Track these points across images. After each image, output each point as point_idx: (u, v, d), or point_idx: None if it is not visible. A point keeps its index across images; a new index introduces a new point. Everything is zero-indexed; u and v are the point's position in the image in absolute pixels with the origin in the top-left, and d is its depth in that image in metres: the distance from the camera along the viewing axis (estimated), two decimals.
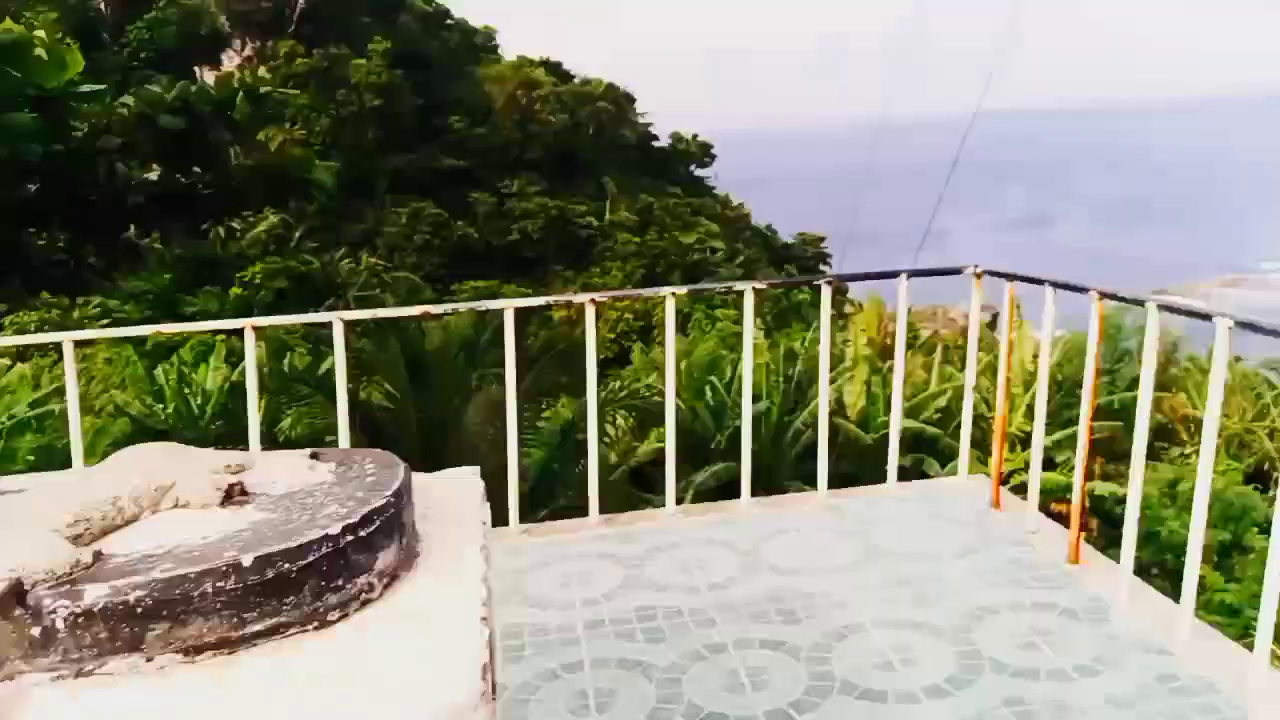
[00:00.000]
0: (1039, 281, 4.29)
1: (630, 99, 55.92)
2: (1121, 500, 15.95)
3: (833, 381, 17.83)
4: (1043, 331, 4.49)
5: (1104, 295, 3.75)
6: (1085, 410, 3.86)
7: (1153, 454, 16.14)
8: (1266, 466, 14.66)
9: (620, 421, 15.76)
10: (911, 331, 36.09)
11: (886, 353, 26.73)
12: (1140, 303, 3.56)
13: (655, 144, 57.26)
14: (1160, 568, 12.68)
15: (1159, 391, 16.63)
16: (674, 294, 4.59)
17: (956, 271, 4.99)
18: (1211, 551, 12.57)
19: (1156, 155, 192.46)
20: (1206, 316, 3.36)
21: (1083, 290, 3.93)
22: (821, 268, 50.90)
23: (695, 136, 58.84)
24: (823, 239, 54.53)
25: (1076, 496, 4.01)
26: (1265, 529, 12.56)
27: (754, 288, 4.81)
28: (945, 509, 4.75)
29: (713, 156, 59.11)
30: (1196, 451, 16.26)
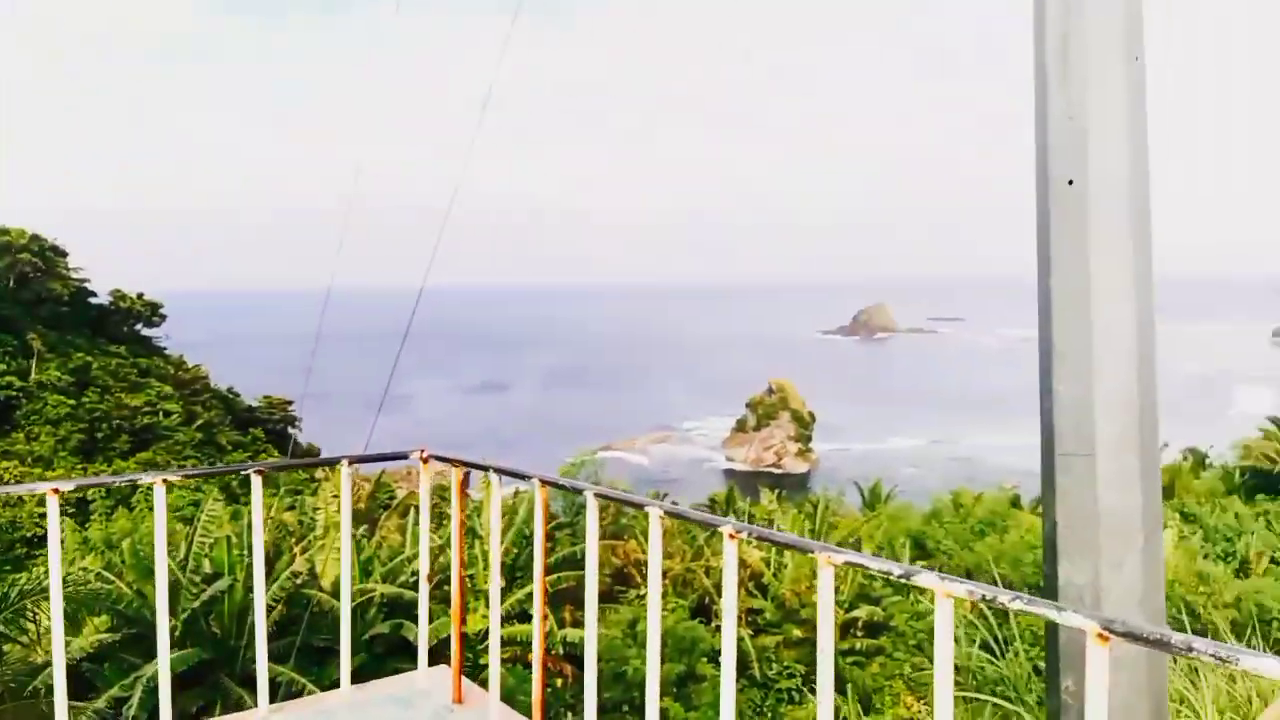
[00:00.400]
0: (484, 468, 4.25)
1: (60, 252, 50.32)
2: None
3: (304, 551, 16.72)
4: (492, 516, 4.36)
5: (545, 482, 3.84)
6: (537, 587, 3.80)
7: (614, 598, 17.44)
8: (707, 600, 16.57)
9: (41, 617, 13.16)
10: (387, 491, 35.72)
11: (360, 517, 25.99)
12: (579, 491, 3.68)
13: (93, 300, 51.79)
14: (630, 704, 13.45)
15: (613, 540, 18.11)
16: (165, 480, 3.82)
17: (403, 456, 4.82)
18: (670, 684, 13.67)
19: (593, 330, 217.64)
20: (578, 491, 3.58)
21: (526, 477, 3.97)
22: (291, 430, 49.19)
23: (141, 295, 54.42)
24: (290, 402, 52.84)
25: (536, 691, 3.87)
26: (713, 658, 13.96)
27: (257, 470, 4.21)
28: (402, 713, 4.37)
29: (162, 316, 55.00)
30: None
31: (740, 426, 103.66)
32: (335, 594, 16.63)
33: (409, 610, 15.17)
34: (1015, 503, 38.17)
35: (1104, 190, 2.66)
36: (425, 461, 4.60)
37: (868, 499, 41.99)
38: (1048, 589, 2.67)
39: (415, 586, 14.82)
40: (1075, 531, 2.61)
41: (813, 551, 2.52)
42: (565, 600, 16.23)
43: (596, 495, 3.37)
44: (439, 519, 21.31)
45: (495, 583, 4.31)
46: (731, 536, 2.66)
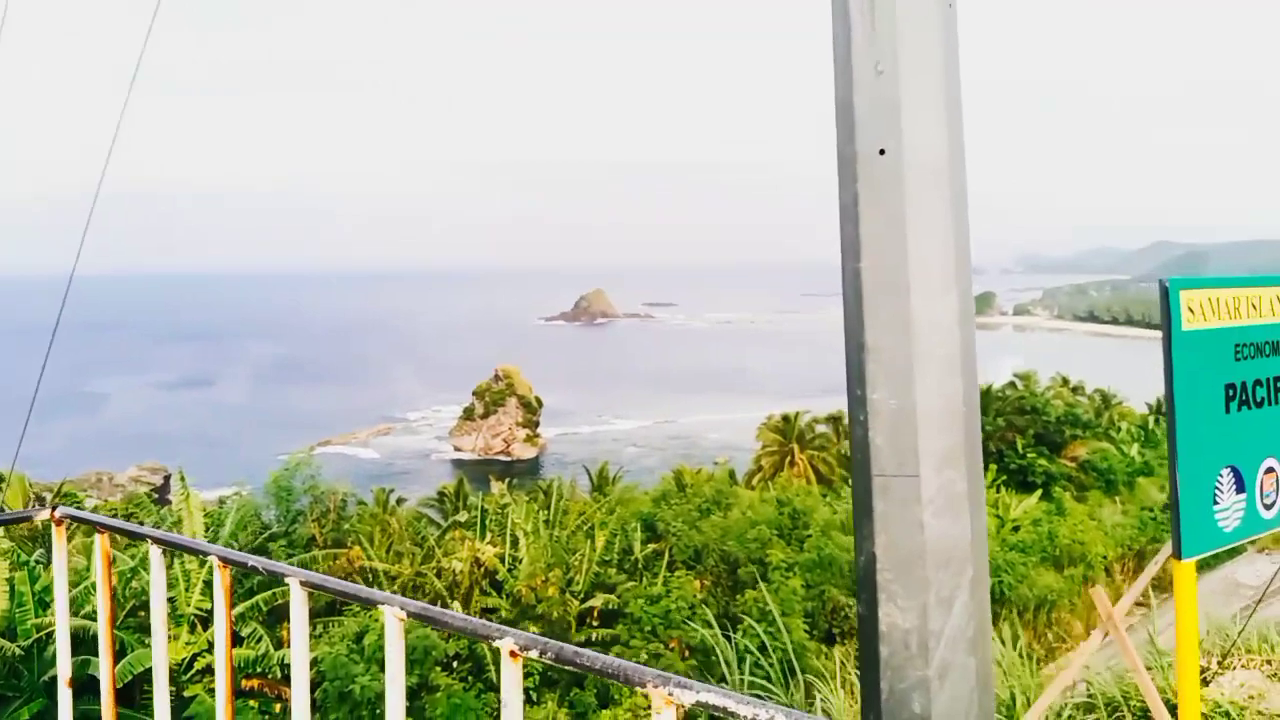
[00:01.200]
0: (138, 535, 3.26)
1: None
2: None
3: None
4: (154, 601, 3.20)
5: (227, 562, 2.94)
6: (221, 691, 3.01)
7: (338, 610, 16.21)
8: (438, 604, 15.78)
9: None
10: (73, 503, 31.81)
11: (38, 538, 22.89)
12: (203, 554, 2.90)
13: None
14: None
15: (335, 548, 16.87)
16: None
17: (25, 519, 3.81)
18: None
19: (309, 321, 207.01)
20: (281, 576, 2.90)
21: (199, 553, 3.15)
22: None
23: None
24: None
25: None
26: (447, 665, 13.27)
27: None
28: None
29: None
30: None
31: (468, 415, 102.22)
32: (8, 633, 14.38)
33: (94, 643, 13.33)
34: (732, 478, 40.02)
35: (920, 160, 2.33)
36: (59, 524, 3.35)
37: (596, 482, 42.51)
38: (865, 632, 2.28)
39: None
40: (898, 566, 2.27)
41: (643, 685, 1.75)
42: (283, 616, 14.88)
43: (303, 585, 2.54)
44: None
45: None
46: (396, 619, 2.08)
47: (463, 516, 20.49)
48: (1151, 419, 55.03)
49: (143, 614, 13.95)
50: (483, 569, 15.55)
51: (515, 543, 16.93)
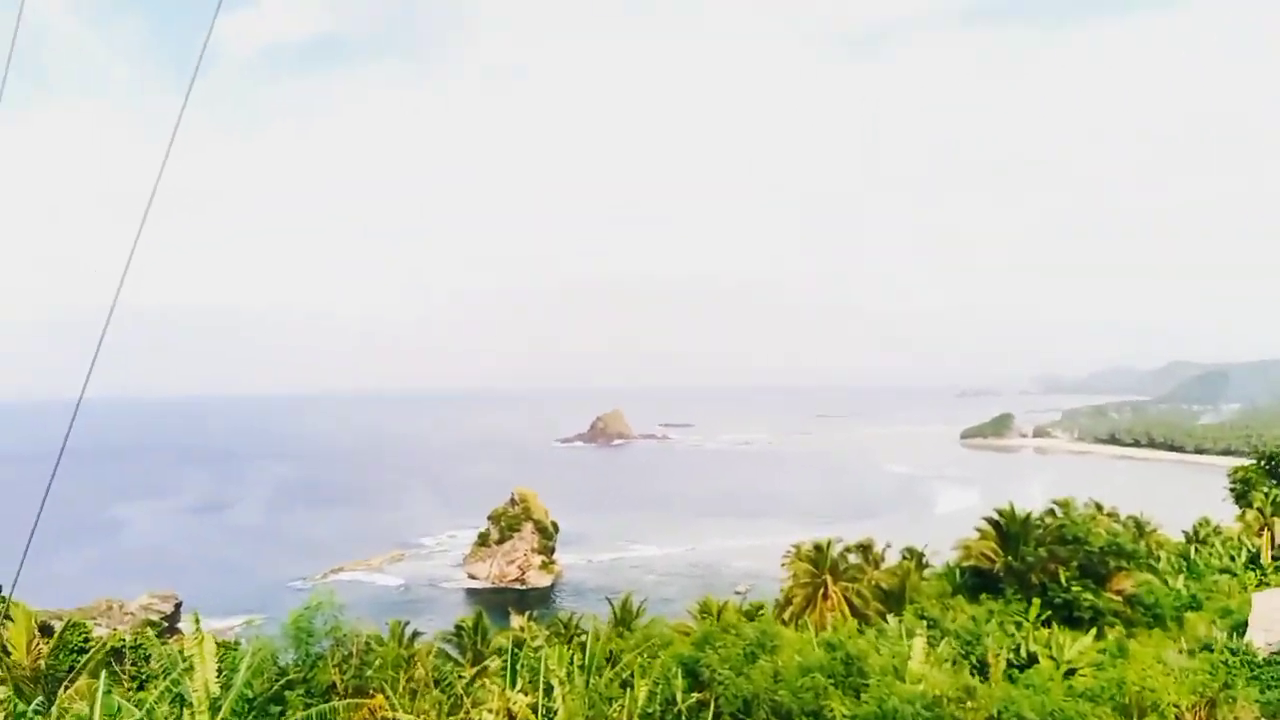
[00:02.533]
0: None
1: None
2: None
3: None
4: None
5: None
6: None
7: None
8: None
9: None
10: (81, 634, 30.64)
11: (40, 680, 21.87)
12: None
13: None
14: None
15: (357, 696, 15.73)
16: None
17: None
18: None
19: (321, 443, 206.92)
20: None
21: None
22: None
23: None
24: None
25: None
26: None
27: None
28: None
29: None
30: None
31: (482, 540, 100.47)
32: None
33: None
34: (774, 612, 38.47)
35: None
36: None
37: (619, 614, 40.95)
38: None
39: None
40: None
41: None
42: None
43: None
44: (143, 678, 17.98)
45: None
46: None
47: (492, 662, 19.29)
48: (1192, 548, 53.18)
49: None
50: None
51: (549, 690, 15.75)
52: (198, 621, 14.29)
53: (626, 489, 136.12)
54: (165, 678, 13.67)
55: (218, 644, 22.50)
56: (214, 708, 13.10)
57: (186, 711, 13.26)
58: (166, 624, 52.06)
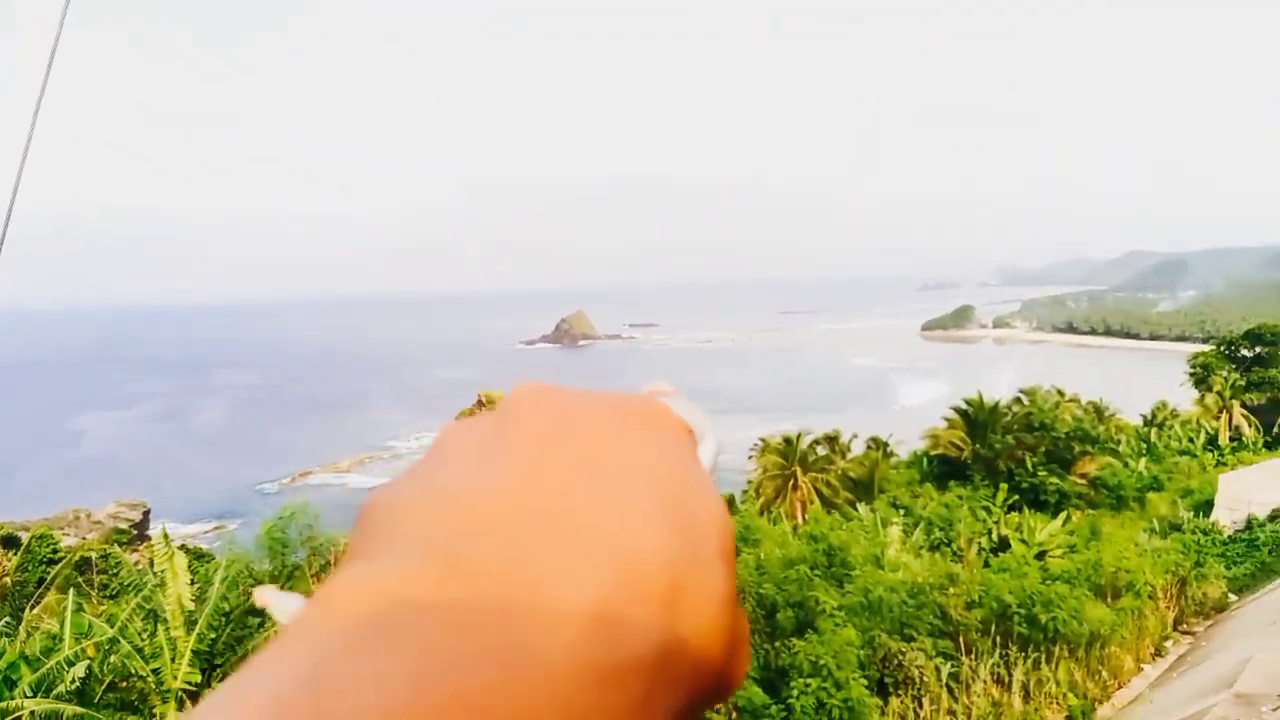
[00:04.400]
0: None
1: None
2: None
3: None
4: None
5: None
6: None
7: None
8: None
9: None
10: (49, 546, 30.25)
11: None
12: None
13: None
14: None
15: None
16: None
17: None
18: None
19: (292, 351, 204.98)
20: None
21: None
22: None
23: None
24: None
25: None
26: None
27: None
28: None
29: None
30: None
31: None
32: None
33: None
34: (732, 504, 38.78)
35: None
36: None
37: None
38: None
39: (81, 695, 11.57)
40: None
41: None
42: None
43: None
44: (113, 591, 17.61)
45: None
46: None
47: None
48: (1151, 432, 54.34)
49: (124, 686, 12.52)
50: None
51: None
52: (166, 537, 13.85)
53: (592, 388, 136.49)
54: (136, 593, 13.30)
55: (189, 552, 22.15)
56: (189, 622, 12.78)
57: (160, 627, 12.94)
58: (136, 531, 51.73)
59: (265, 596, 0.35)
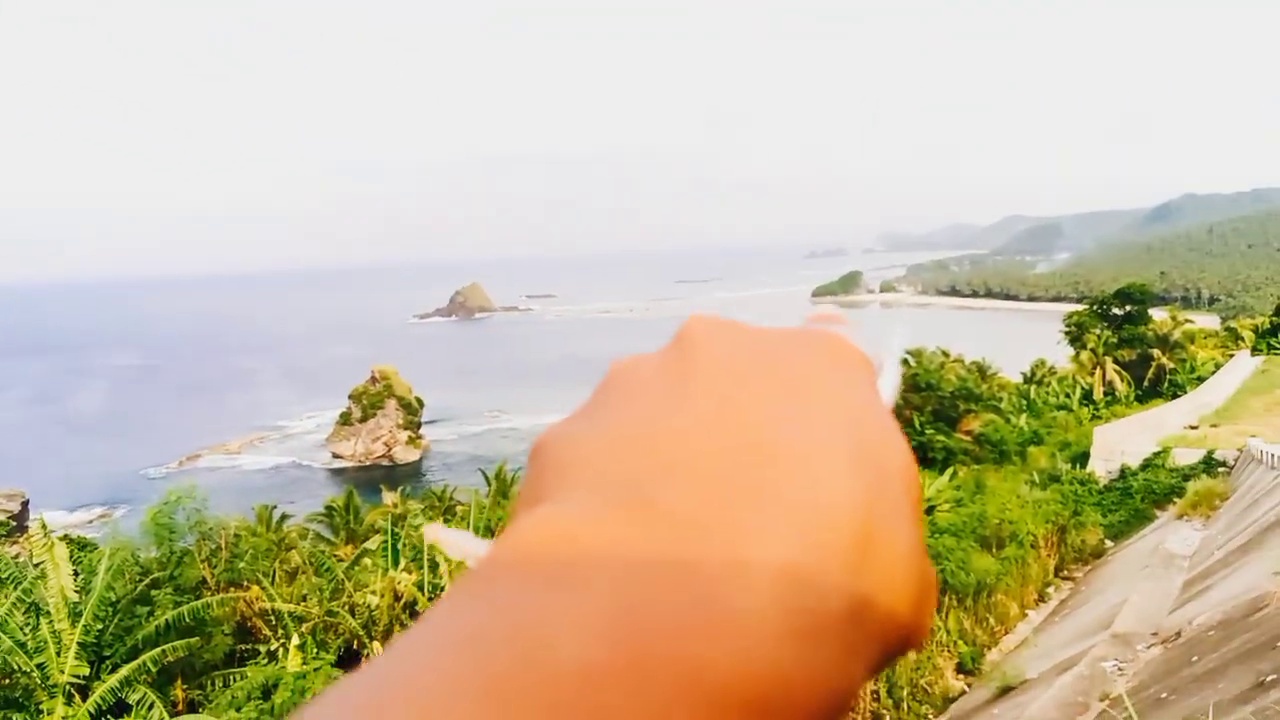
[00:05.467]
0: None
1: None
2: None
3: None
4: None
5: None
6: None
7: (240, 661, 14.33)
8: (356, 645, 14.13)
9: None
10: None
11: None
12: None
13: None
14: None
15: (231, 588, 14.99)
16: None
17: None
18: None
19: (162, 330, 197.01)
20: None
21: None
22: None
23: None
24: None
25: None
26: None
27: None
28: None
29: None
30: (284, 646, 15.00)
31: (345, 420, 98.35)
32: None
33: None
34: None
35: None
36: None
37: (495, 484, 40.89)
38: None
39: None
40: None
41: None
42: (176, 674, 12.98)
43: None
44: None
45: None
46: None
47: (373, 543, 18.72)
48: (1030, 388, 56.71)
49: (6, 683, 11.92)
50: (402, 601, 14.04)
51: (435, 567, 15.42)
52: (45, 527, 13.19)
53: (491, 362, 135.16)
54: (16, 586, 12.62)
55: (72, 542, 21.15)
56: (74, 614, 12.21)
57: (43, 620, 12.34)
58: (15, 523, 49.18)
59: (435, 533, 0.34)
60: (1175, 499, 23.95)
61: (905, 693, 15.16)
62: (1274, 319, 63.99)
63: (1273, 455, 21.11)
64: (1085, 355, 55.05)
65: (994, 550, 19.77)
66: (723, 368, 0.30)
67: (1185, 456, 29.52)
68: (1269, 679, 6.53)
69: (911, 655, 16.20)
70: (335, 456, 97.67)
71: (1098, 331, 55.87)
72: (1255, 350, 57.91)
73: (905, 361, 46.42)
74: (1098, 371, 53.94)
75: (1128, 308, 56.74)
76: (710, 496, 0.25)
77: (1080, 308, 63.73)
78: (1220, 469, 27.20)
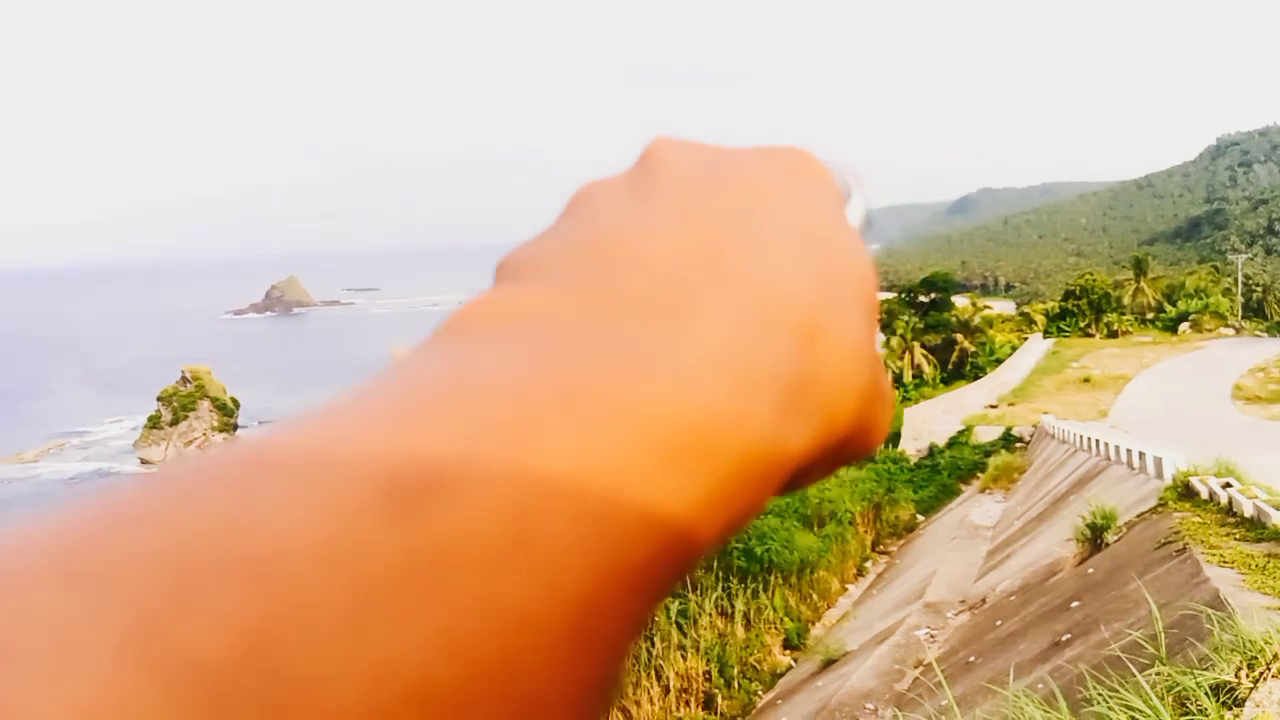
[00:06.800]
0: None
1: None
2: None
3: None
4: None
5: None
6: None
7: None
8: None
9: None
10: None
11: None
12: None
13: None
14: None
15: None
16: None
17: None
18: None
19: None
20: None
21: None
22: None
23: None
24: None
25: None
26: None
27: None
28: None
29: None
30: None
31: (154, 423, 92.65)
32: None
33: None
34: None
35: None
36: None
37: None
38: None
39: None
40: None
41: None
42: None
43: None
44: None
45: None
46: None
47: None
48: None
49: None
50: None
51: None
52: None
53: (311, 359, 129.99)
54: None
55: None
56: None
57: None
58: None
59: (399, 350, 0.31)
60: (978, 474, 25.59)
61: (736, 671, 15.54)
62: (1062, 304, 69.28)
63: (1064, 430, 22.79)
64: (895, 341, 57.93)
65: (815, 529, 20.55)
66: (684, 179, 0.31)
67: (987, 434, 31.55)
68: (1064, 639, 7.01)
69: (740, 635, 16.64)
70: (144, 462, 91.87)
71: (906, 318, 58.87)
72: (1046, 333, 62.48)
73: None
74: (906, 356, 56.88)
75: (932, 295, 60.02)
76: (659, 279, 0.26)
77: (890, 296, 67.02)
78: (1018, 445, 29.24)
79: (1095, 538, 9.61)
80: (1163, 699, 3.71)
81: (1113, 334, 62.04)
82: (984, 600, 11.96)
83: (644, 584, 0.21)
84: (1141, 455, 12.77)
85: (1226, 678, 3.73)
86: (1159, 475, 11.36)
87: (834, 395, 0.27)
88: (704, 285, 0.26)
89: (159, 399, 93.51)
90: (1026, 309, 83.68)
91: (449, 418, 0.20)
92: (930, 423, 34.90)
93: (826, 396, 0.27)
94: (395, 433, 0.20)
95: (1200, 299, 66.92)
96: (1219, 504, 8.74)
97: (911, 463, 29.75)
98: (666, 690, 14.98)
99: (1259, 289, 77.55)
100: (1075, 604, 7.95)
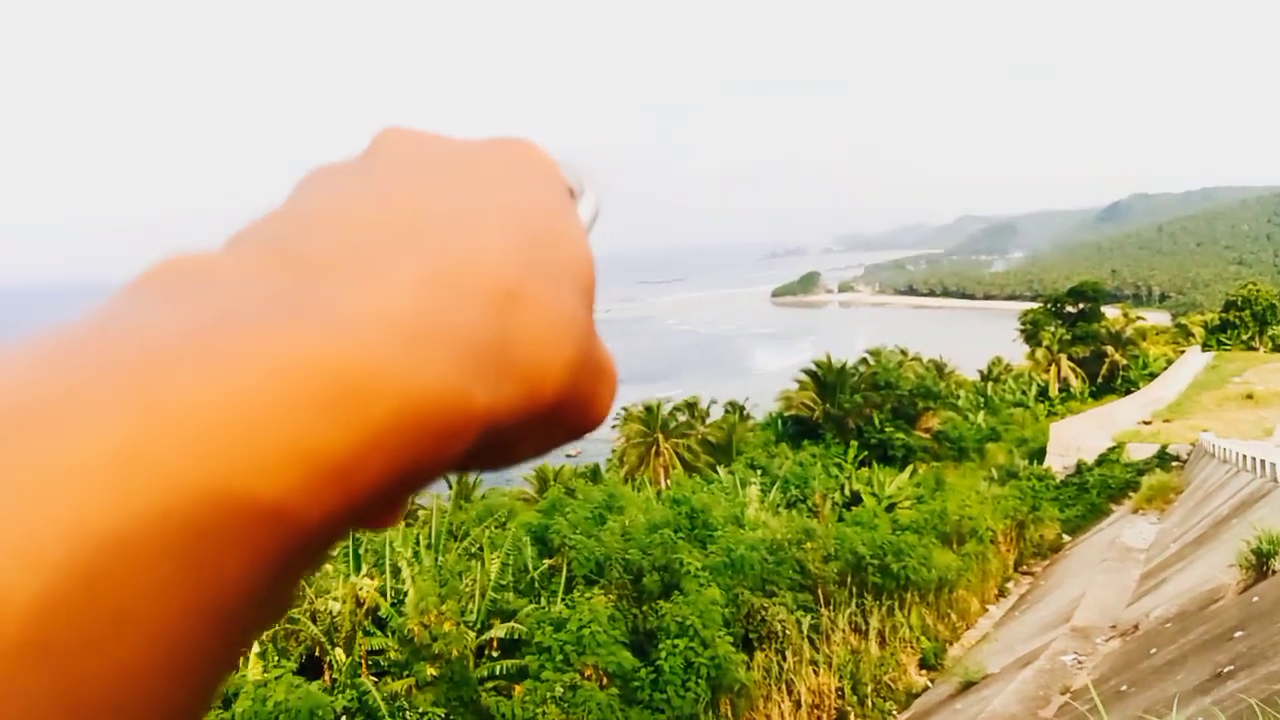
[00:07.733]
0: None
1: None
2: None
3: None
4: None
5: None
6: None
7: None
8: (317, 652, 13.91)
9: None
10: None
11: None
12: None
13: None
14: None
15: None
16: None
17: None
18: None
19: None
20: None
21: None
22: None
23: None
24: None
25: None
26: None
27: None
28: None
29: None
30: (244, 655, 14.68)
31: None
32: None
33: None
34: (596, 473, 38.97)
35: None
36: None
37: (457, 488, 40.59)
38: None
39: None
40: None
41: None
42: None
43: None
44: None
45: None
46: None
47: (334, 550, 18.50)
48: (988, 386, 57.41)
49: None
50: (364, 608, 13.88)
51: (397, 572, 15.27)
52: None
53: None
54: None
55: None
56: None
57: None
58: None
59: None
60: (1130, 493, 24.36)
61: (869, 689, 15.24)
62: (1223, 315, 65.38)
63: (1225, 449, 21.52)
64: (1040, 353, 55.87)
65: (954, 546, 19.96)
66: (400, 162, 0.31)
67: (1139, 451, 30.04)
68: (1226, 670, 6.64)
69: (874, 652, 16.31)
70: None
71: (1052, 329, 56.72)
72: (1205, 346, 59.13)
73: (864, 360, 46.87)
74: (1053, 368, 54.78)
75: (1081, 305, 57.63)
76: (346, 246, 0.26)
77: (1035, 306, 64.63)
78: (1174, 463, 27.72)
79: (1261, 564, 9.06)
80: None
81: (1278, 348, 58.20)
82: (1137, 626, 11.39)
83: (279, 517, 0.20)
84: None
85: None
86: None
87: (534, 363, 0.27)
88: (390, 250, 0.26)
89: None
90: (1183, 320, 79.67)
91: (72, 356, 0.20)
92: (1078, 438, 33.47)
93: (526, 363, 0.27)
94: (5, 370, 0.20)
95: None
96: None
97: (1057, 480, 28.57)
98: (798, 705, 14.81)
99: None
100: (1239, 633, 7.51)
